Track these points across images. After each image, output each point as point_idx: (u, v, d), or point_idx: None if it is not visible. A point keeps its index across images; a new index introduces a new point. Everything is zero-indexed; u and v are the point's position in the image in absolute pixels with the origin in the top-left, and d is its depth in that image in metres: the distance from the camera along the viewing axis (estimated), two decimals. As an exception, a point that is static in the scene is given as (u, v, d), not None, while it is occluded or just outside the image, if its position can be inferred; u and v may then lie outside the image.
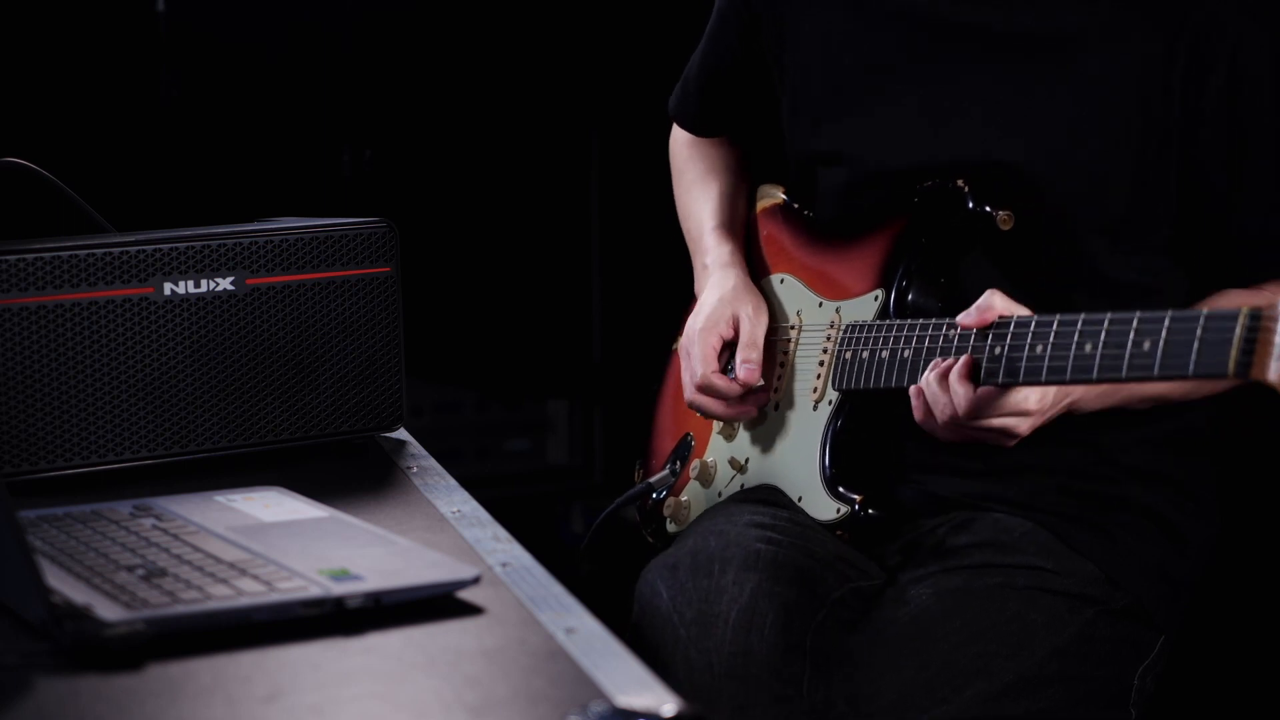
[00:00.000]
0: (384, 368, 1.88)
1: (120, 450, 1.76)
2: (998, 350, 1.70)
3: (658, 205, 2.30)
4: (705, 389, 1.98)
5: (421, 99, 3.65)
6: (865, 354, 1.87)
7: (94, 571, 1.38)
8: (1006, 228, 1.83)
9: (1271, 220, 1.85)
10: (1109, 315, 1.60)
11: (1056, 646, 1.82)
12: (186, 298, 1.78)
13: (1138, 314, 1.58)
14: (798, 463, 1.93)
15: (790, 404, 1.97)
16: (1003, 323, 1.71)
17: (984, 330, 1.72)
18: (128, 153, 3.40)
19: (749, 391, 1.98)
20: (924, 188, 1.88)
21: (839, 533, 1.89)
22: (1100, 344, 1.60)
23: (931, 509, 1.93)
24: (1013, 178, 1.85)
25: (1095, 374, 1.61)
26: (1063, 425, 1.84)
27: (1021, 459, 1.88)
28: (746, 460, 2.01)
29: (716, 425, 2.06)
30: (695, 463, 2.07)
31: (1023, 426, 1.75)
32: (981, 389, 1.71)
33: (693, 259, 2.17)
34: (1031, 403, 1.74)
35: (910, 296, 1.88)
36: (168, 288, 1.78)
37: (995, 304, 1.73)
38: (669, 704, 1.14)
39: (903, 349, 1.82)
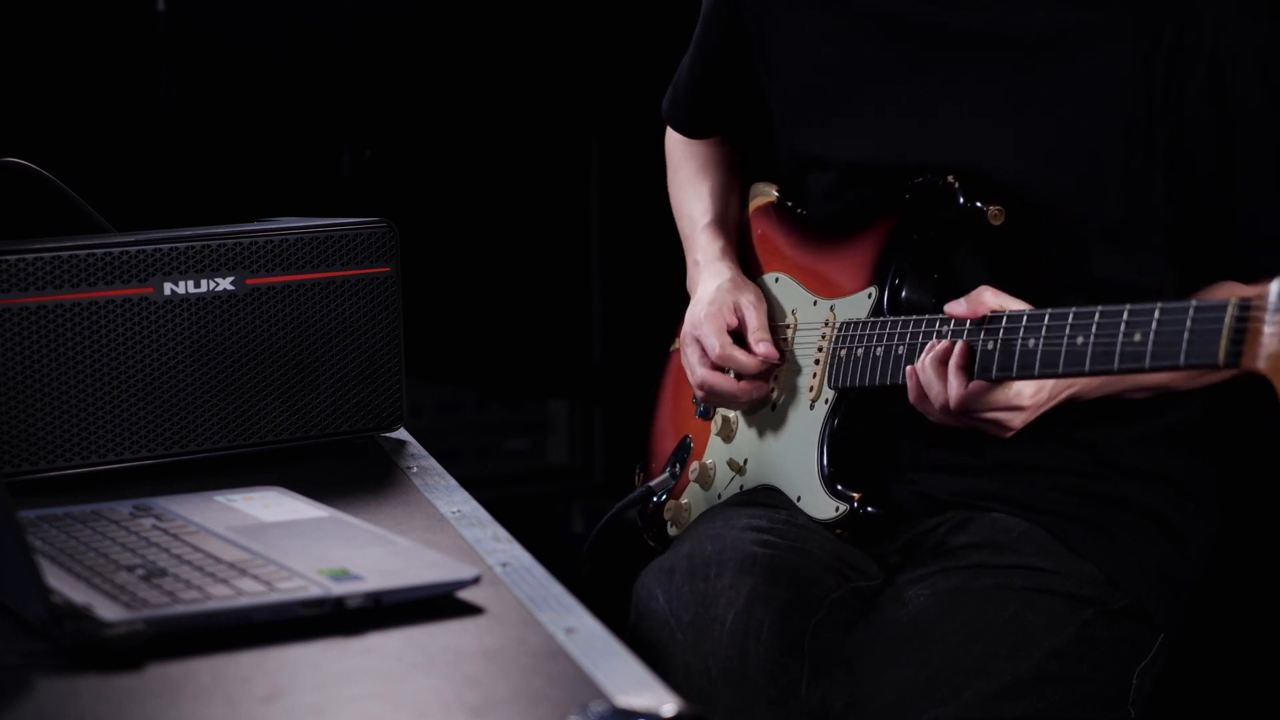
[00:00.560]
0: (384, 368, 1.88)
1: (120, 450, 1.76)
2: (990, 345, 1.71)
3: (658, 205, 2.31)
4: (724, 361, 1.97)
5: (421, 99, 3.65)
6: (860, 351, 1.87)
7: (94, 571, 1.38)
8: (998, 223, 1.83)
9: (1271, 221, 1.85)
10: (1100, 308, 1.61)
11: (1055, 647, 1.82)
12: (186, 298, 1.78)
13: (1128, 306, 1.59)
14: (796, 462, 1.93)
15: (787, 403, 1.97)
16: (995, 317, 1.72)
17: (976, 325, 1.73)
18: (128, 153, 3.40)
19: (761, 372, 1.97)
20: (915, 184, 1.88)
21: (838, 531, 1.89)
22: (1092, 336, 1.61)
23: (929, 508, 1.93)
24: (1000, 180, 1.85)
25: (1087, 366, 1.62)
26: (1061, 424, 1.84)
27: (1020, 458, 1.88)
28: (745, 461, 2.01)
29: (715, 427, 2.06)
30: (694, 465, 2.07)
31: (1016, 420, 1.76)
32: (974, 383, 1.72)
33: (685, 256, 2.17)
34: (1025, 398, 1.74)
35: (904, 293, 1.88)
36: (168, 288, 1.78)
37: (986, 299, 1.74)
38: (669, 704, 1.14)
39: (897, 346, 1.82)
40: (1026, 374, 1.69)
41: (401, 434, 1.94)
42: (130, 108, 3.40)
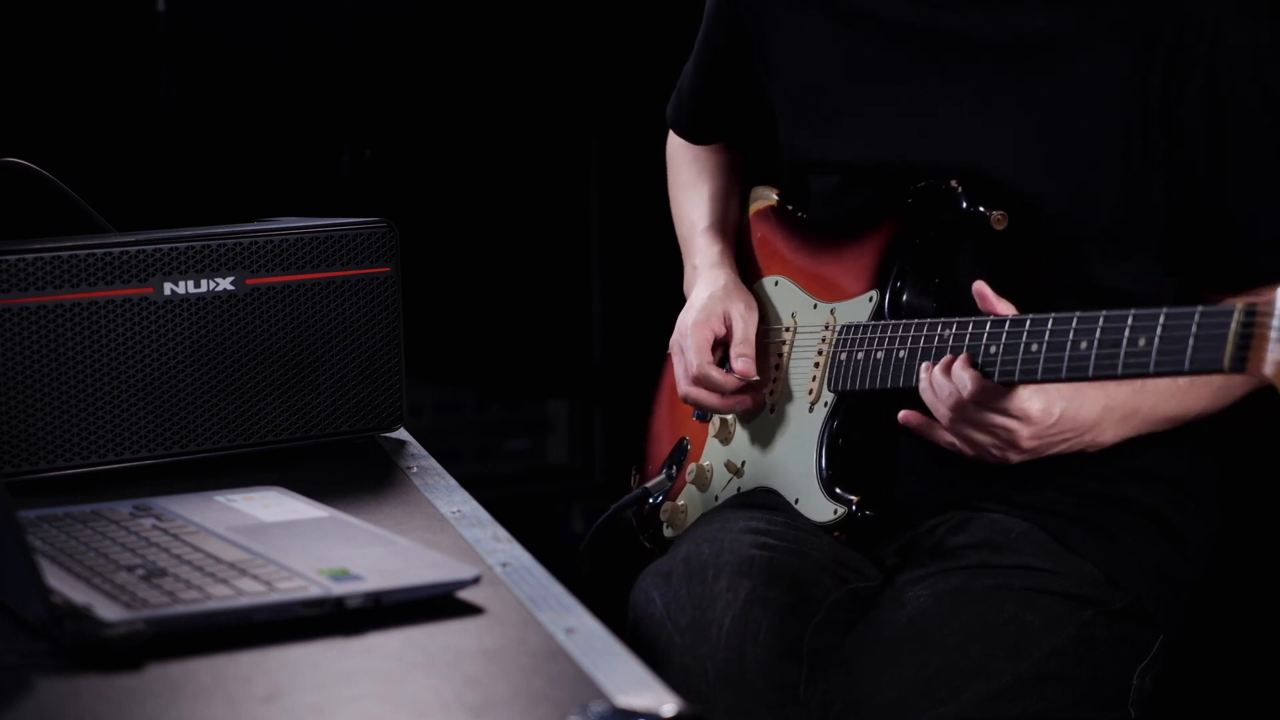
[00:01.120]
0: (384, 368, 1.88)
1: (120, 450, 1.76)
2: (993, 349, 1.71)
3: (658, 205, 2.31)
4: (701, 380, 1.98)
5: (421, 99, 3.65)
6: (860, 355, 1.87)
7: (94, 571, 1.38)
8: (1000, 228, 1.83)
9: (1270, 222, 1.85)
10: (1104, 313, 1.61)
11: (1055, 647, 1.82)
12: (186, 298, 1.79)
13: (1133, 311, 1.59)
14: (794, 464, 1.93)
15: (786, 406, 1.97)
16: (998, 321, 1.71)
17: (979, 330, 1.72)
18: (128, 153, 3.40)
19: (744, 386, 1.98)
20: (917, 188, 1.88)
21: (836, 534, 1.89)
22: (1095, 342, 1.61)
23: (928, 509, 1.93)
24: (999, 181, 1.85)
25: (1091, 371, 1.62)
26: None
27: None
28: (743, 463, 2.01)
29: (712, 429, 2.06)
30: (691, 467, 2.07)
31: (1024, 433, 1.75)
32: (986, 380, 1.71)
33: (684, 259, 2.17)
34: (1034, 407, 1.74)
35: (905, 297, 1.88)
36: (168, 288, 1.78)
37: (987, 294, 1.73)
38: (669, 704, 1.14)
39: (898, 349, 1.82)
40: (1029, 378, 1.68)
41: (401, 434, 1.94)
42: (130, 108, 3.40)
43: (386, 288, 1.88)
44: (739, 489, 2.01)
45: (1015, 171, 1.85)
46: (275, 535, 1.48)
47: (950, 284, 1.87)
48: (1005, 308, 1.73)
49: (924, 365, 1.78)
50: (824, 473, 1.89)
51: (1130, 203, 1.85)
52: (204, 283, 1.79)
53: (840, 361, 1.90)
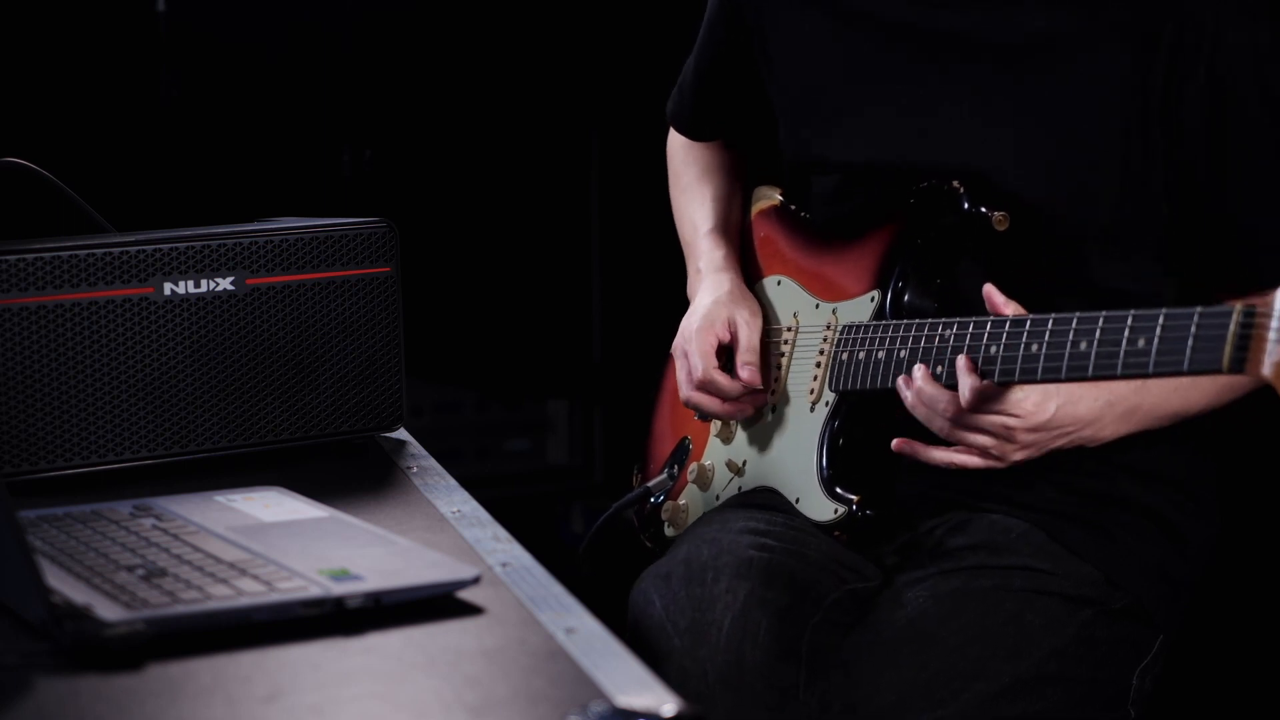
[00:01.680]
0: (384, 368, 1.88)
1: (120, 450, 1.76)
2: (993, 350, 1.71)
3: (658, 206, 2.31)
4: (706, 385, 1.98)
5: (421, 99, 3.65)
6: (862, 355, 1.87)
7: (94, 571, 1.38)
8: (1002, 229, 1.83)
9: (1270, 222, 1.85)
10: (1104, 314, 1.61)
11: (1054, 648, 1.82)
12: (186, 298, 1.79)
13: (1132, 312, 1.59)
14: (795, 464, 1.93)
15: (787, 405, 1.97)
16: (998, 322, 1.71)
17: (979, 330, 1.73)
18: (128, 153, 3.40)
19: (747, 392, 1.98)
20: (919, 189, 1.88)
21: (836, 533, 1.89)
22: (1095, 342, 1.61)
23: (928, 509, 1.94)
24: (999, 181, 1.85)
25: (1090, 372, 1.62)
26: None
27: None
28: (744, 463, 2.01)
29: (714, 428, 2.06)
30: (693, 466, 2.07)
31: (1020, 429, 1.75)
32: (984, 381, 1.71)
33: (686, 263, 2.17)
34: (1028, 404, 1.74)
35: (906, 297, 1.88)
36: (168, 288, 1.78)
37: (995, 296, 1.74)
38: (669, 704, 1.14)
39: (898, 349, 1.82)
40: (1029, 379, 1.68)
41: (401, 434, 1.94)
42: (130, 108, 3.40)
43: (386, 288, 1.88)
44: (740, 488, 2.01)
45: (1015, 172, 1.85)
46: (275, 535, 1.48)
47: (951, 284, 1.87)
48: (1013, 309, 1.73)
49: (901, 380, 1.78)
50: (824, 472, 1.89)
51: (1130, 203, 1.85)
52: (204, 283, 1.79)
53: (841, 361, 1.90)
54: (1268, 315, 1.47)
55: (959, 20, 1.88)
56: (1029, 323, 1.68)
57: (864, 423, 1.91)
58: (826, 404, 1.92)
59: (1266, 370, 1.47)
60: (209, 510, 1.56)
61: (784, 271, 2.05)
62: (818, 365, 1.94)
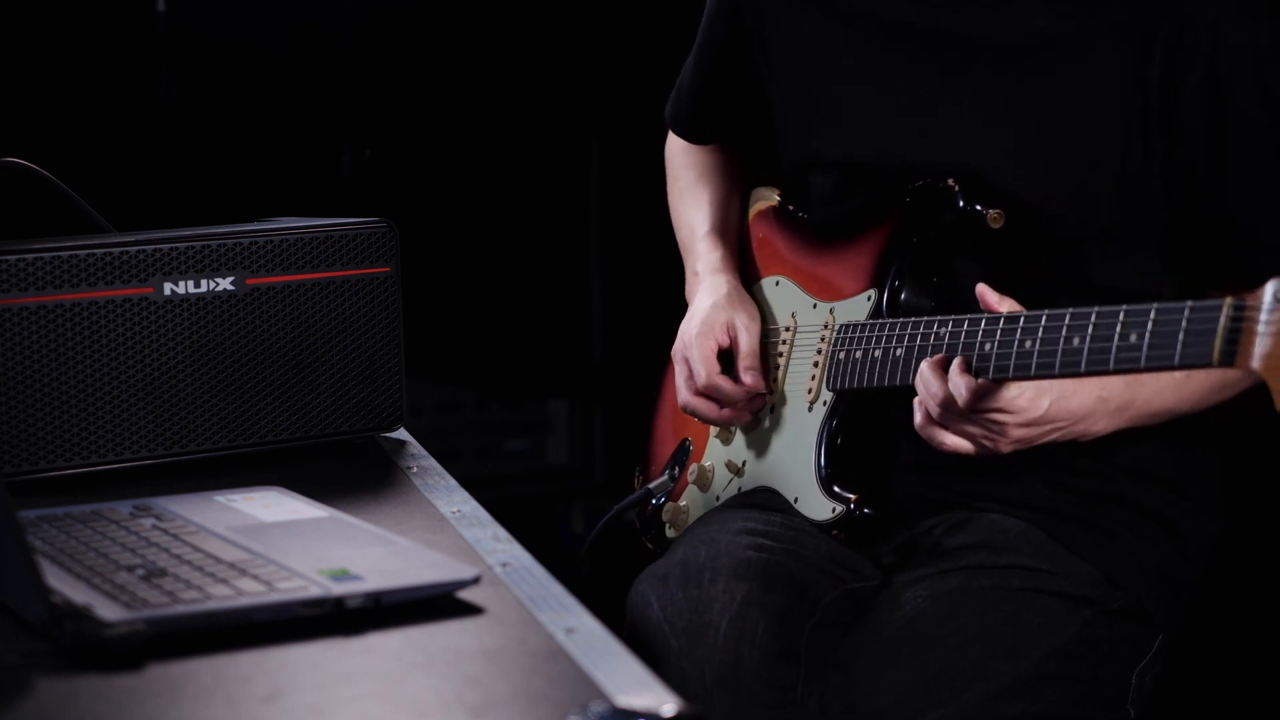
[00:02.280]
0: (384, 368, 1.88)
1: (120, 450, 1.76)
2: (987, 347, 1.71)
3: (658, 206, 2.31)
4: (708, 391, 1.98)
5: (421, 99, 3.65)
6: (859, 354, 1.87)
7: (94, 571, 1.38)
8: (997, 226, 1.83)
9: (1270, 222, 1.85)
10: (1096, 309, 1.62)
11: (1054, 647, 1.82)
12: (186, 298, 1.79)
13: (1124, 307, 1.59)
14: (793, 464, 1.93)
15: (785, 405, 1.97)
16: (993, 319, 1.72)
17: (974, 327, 1.73)
18: (128, 153, 3.40)
19: (749, 396, 1.98)
20: (915, 187, 1.88)
21: (834, 532, 1.89)
22: (1087, 337, 1.62)
23: (926, 508, 1.94)
24: (998, 181, 1.85)
25: (1083, 367, 1.62)
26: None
27: (1017, 456, 1.88)
28: (743, 463, 2.01)
29: (714, 429, 2.06)
30: (693, 467, 2.07)
31: (1012, 424, 1.75)
32: (980, 380, 1.72)
33: (685, 265, 2.17)
34: (1022, 400, 1.74)
35: (903, 296, 1.88)
36: (168, 288, 1.78)
37: (988, 298, 1.74)
38: (669, 704, 1.14)
39: (895, 348, 1.82)
40: (1023, 375, 1.69)
41: (401, 434, 1.94)
42: (130, 108, 3.40)
43: (386, 288, 1.88)
44: (740, 489, 2.01)
45: (1015, 171, 1.86)
46: (275, 535, 1.48)
47: (948, 283, 1.87)
48: (1009, 306, 1.74)
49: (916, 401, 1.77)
50: (823, 471, 1.89)
51: (1130, 202, 1.85)
52: (204, 283, 1.79)
53: (839, 360, 1.90)
54: (1257, 309, 1.48)
55: (959, 20, 1.88)
56: (1023, 319, 1.69)
57: (862, 422, 1.91)
58: (824, 403, 1.92)
59: (1256, 363, 1.48)
60: (209, 510, 1.56)
61: (782, 272, 2.05)
62: (815, 365, 1.94)
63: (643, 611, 1.83)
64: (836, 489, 1.88)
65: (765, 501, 1.96)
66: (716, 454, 2.05)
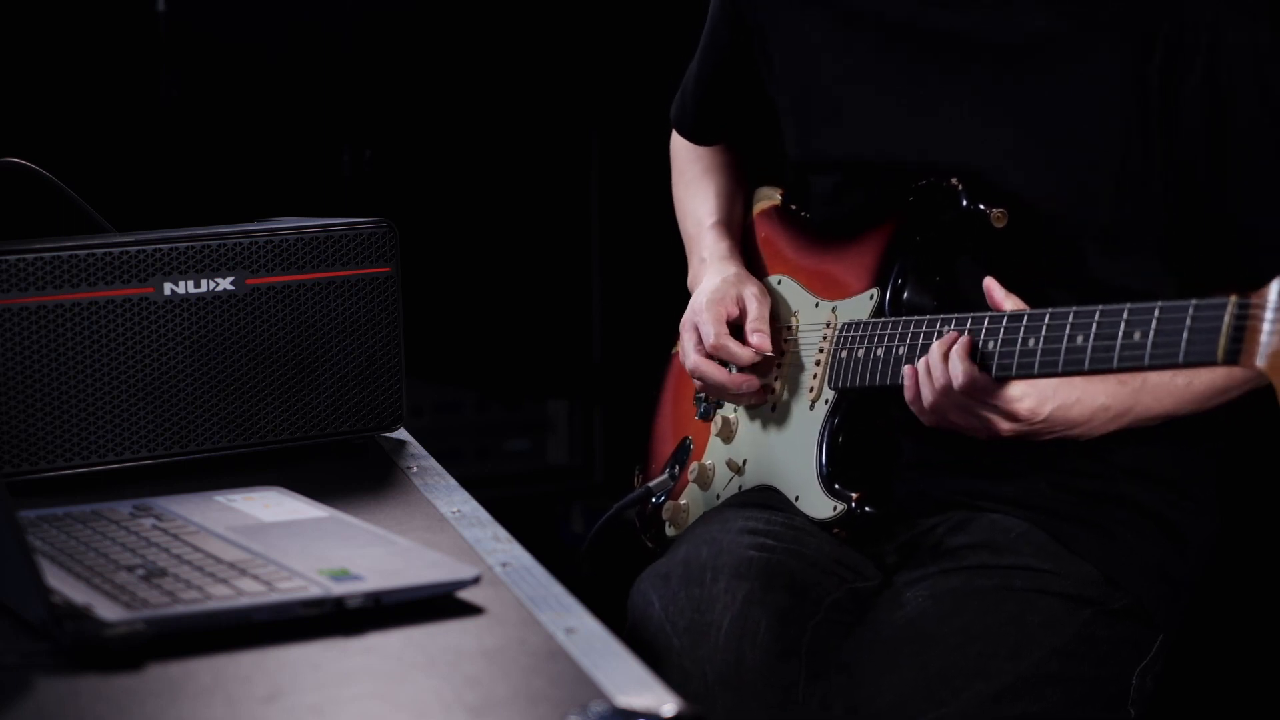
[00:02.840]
0: (384, 368, 1.88)
1: (120, 450, 1.76)
2: (990, 345, 1.71)
3: (658, 205, 2.31)
4: (716, 351, 1.97)
5: (421, 99, 3.65)
6: (861, 352, 1.88)
7: (94, 571, 1.38)
8: (1000, 225, 1.84)
9: (1270, 222, 1.85)
10: (1100, 307, 1.62)
11: (1055, 647, 1.82)
12: (186, 298, 1.79)
13: (1128, 305, 1.59)
14: (795, 462, 1.93)
15: (787, 404, 1.97)
16: (996, 317, 1.72)
17: (977, 326, 1.73)
18: (128, 153, 3.40)
19: (753, 366, 1.97)
20: (918, 186, 1.89)
21: (836, 531, 1.89)
22: (1092, 336, 1.62)
23: (927, 508, 1.94)
24: (998, 181, 1.85)
25: (1087, 365, 1.62)
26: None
27: (1018, 456, 1.88)
28: (744, 462, 2.01)
29: (714, 428, 2.06)
30: (694, 466, 2.07)
31: (1004, 426, 1.75)
32: (981, 373, 1.71)
33: (688, 255, 2.17)
34: (1023, 408, 1.74)
35: (905, 295, 1.88)
36: (168, 288, 1.78)
37: (995, 294, 1.74)
38: (669, 704, 1.14)
39: (897, 347, 1.83)
40: (1026, 373, 1.69)
41: (401, 434, 1.94)
42: (130, 108, 3.40)
43: (386, 288, 1.88)
44: (740, 487, 2.01)
45: (1015, 171, 1.86)
46: (275, 535, 1.48)
47: (950, 282, 1.87)
48: (1012, 304, 1.74)
49: (906, 369, 1.77)
50: (824, 470, 1.89)
51: (1130, 202, 1.85)
52: (204, 283, 1.79)
53: (841, 359, 1.90)
54: (1262, 307, 1.48)
55: (959, 20, 1.88)
56: (1026, 317, 1.69)
57: (863, 420, 1.91)
58: (826, 402, 1.92)
59: (1261, 361, 1.48)
60: (209, 510, 1.56)
61: (784, 271, 2.05)
62: (817, 364, 1.94)
63: (644, 610, 1.83)
64: (838, 487, 1.88)
65: (766, 500, 1.96)
66: (717, 452, 2.05)
